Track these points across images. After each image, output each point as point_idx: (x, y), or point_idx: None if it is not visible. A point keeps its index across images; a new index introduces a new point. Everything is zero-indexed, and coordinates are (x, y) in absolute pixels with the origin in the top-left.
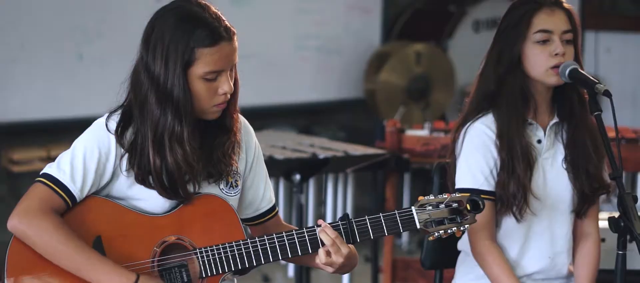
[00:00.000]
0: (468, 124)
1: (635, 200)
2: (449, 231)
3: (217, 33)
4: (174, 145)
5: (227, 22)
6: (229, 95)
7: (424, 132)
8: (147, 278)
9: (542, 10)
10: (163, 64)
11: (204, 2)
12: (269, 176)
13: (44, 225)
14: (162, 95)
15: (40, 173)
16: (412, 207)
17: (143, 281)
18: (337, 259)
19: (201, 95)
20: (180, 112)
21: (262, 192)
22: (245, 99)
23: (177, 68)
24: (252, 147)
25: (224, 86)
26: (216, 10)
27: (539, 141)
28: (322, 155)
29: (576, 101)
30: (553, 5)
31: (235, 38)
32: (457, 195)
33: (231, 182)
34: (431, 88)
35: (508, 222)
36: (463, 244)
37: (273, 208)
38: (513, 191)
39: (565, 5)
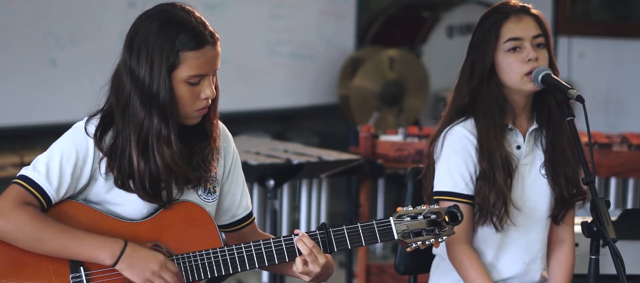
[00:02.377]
0: (447, 128)
1: (608, 205)
2: (427, 242)
3: (201, 37)
4: (162, 146)
5: (211, 27)
6: (210, 101)
7: (397, 138)
8: (134, 244)
9: (509, 19)
10: (148, 67)
11: (188, 7)
12: None
13: (21, 218)
14: (147, 98)
15: (17, 175)
16: (390, 218)
17: (131, 248)
18: (314, 268)
19: (184, 99)
20: (166, 115)
21: (239, 199)
22: (219, 104)
23: (162, 71)
24: (230, 153)
25: (207, 91)
26: (200, 16)
27: (519, 147)
28: (296, 160)
29: (554, 105)
30: (520, 13)
31: (218, 43)
32: (435, 206)
33: (209, 188)
34: (405, 93)
35: (485, 228)
36: (438, 248)
37: (250, 215)
38: (493, 201)
39: (533, 10)
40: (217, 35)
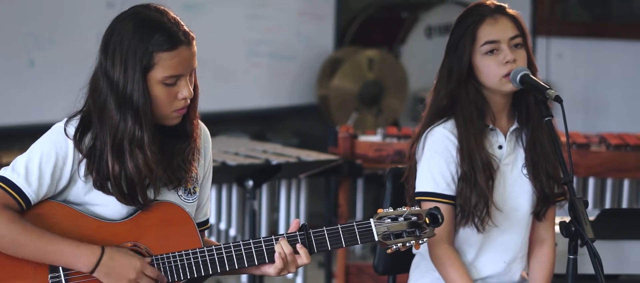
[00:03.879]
0: (428, 129)
1: (586, 205)
2: (407, 244)
3: (175, 37)
4: (134, 150)
5: (186, 27)
6: (188, 100)
7: (376, 138)
8: (112, 250)
9: (485, 22)
10: (122, 69)
11: (162, 7)
12: (222, 182)
13: None
14: (121, 101)
15: None
16: (371, 220)
17: (108, 256)
18: (291, 269)
19: (161, 100)
20: (140, 117)
21: (203, 203)
22: (198, 104)
23: (136, 73)
24: (208, 154)
25: (184, 91)
26: (175, 16)
27: (500, 147)
28: (275, 161)
29: (533, 103)
30: (495, 14)
31: (194, 43)
32: (416, 208)
33: (189, 189)
34: (384, 94)
35: (467, 228)
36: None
37: (206, 222)
38: (475, 202)
39: (509, 10)
40: (192, 34)
